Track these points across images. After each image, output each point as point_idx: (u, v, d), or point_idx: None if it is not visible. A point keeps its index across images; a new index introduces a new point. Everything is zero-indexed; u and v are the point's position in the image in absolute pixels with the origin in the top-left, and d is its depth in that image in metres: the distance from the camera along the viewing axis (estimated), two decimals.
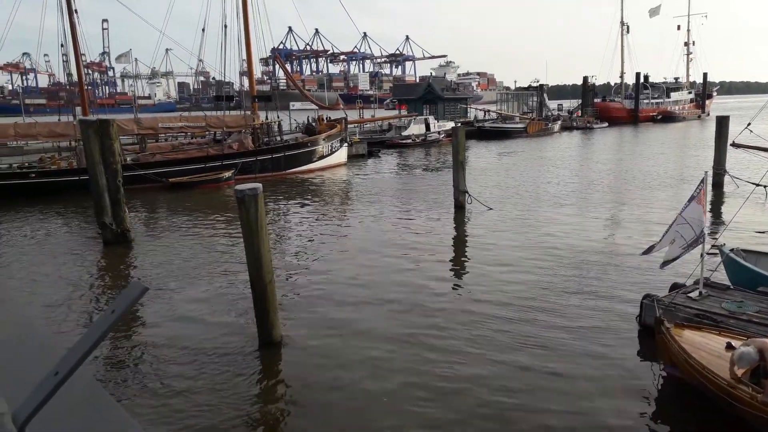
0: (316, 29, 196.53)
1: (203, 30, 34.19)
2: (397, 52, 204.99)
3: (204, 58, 38.81)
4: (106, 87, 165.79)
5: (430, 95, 62.14)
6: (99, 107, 44.86)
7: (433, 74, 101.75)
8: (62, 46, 32.04)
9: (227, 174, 29.10)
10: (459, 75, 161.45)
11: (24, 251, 16.88)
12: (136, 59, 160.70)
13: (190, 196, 26.14)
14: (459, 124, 42.12)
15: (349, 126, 39.04)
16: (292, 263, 14.76)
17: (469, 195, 20.81)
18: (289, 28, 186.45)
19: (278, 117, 35.25)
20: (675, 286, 10.19)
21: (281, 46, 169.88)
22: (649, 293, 9.91)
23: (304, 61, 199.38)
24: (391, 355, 9.07)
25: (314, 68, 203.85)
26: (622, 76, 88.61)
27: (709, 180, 10.25)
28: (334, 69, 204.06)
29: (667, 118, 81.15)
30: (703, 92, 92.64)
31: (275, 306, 9.59)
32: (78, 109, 33.51)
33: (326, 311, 11.10)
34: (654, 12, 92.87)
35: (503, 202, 22.21)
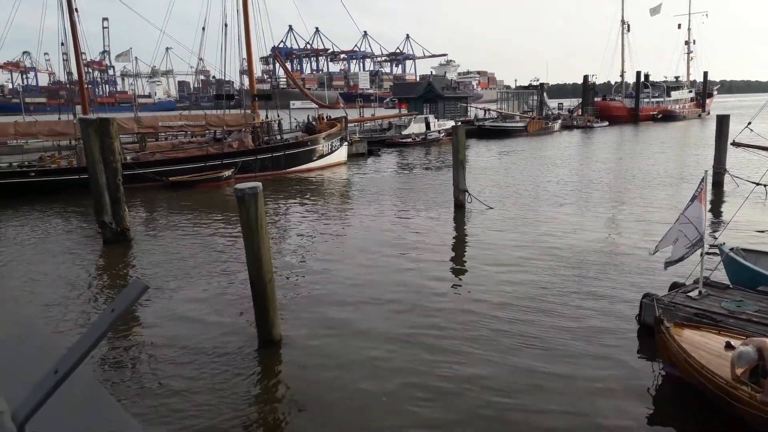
0: (317, 28, 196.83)
1: (203, 29, 34.17)
2: (398, 50, 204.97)
3: (204, 57, 38.76)
4: (107, 86, 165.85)
5: (431, 94, 62.12)
6: (99, 106, 44.87)
7: (434, 73, 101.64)
8: (62, 44, 32.00)
9: (227, 173, 29.10)
10: (459, 74, 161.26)
11: (24, 250, 16.88)
12: (136, 58, 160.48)
13: (189, 195, 26.14)
14: (459, 123, 42.12)
15: (349, 125, 39.02)
16: (291, 262, 14.76)
17: (469, 194, 20.80)
18: (290, 26, 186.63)
19: (278, 116, 35.22)
20: (674, 286, 10.19)
21: (281, 45, 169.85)
22: (648, 292, 9.91)
23: (304, 59, 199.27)
24: (390, 354, 9.07)
25: (314, 67, 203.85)
26: (622, 75, 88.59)
27: (710, 179, 10.25)
28: (335, 68, 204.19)
29: (668, 117, 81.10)
30: (704, 91, 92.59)
31: (275, 305, 9.60)
32: (78, 107, 33.48)
33: (326, 311, 11.10)
34: (655, 11, 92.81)
35: (503, 201, 22.21)
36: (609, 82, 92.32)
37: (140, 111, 54.62)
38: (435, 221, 19.14)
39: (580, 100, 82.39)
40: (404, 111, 58.10)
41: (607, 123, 74.10)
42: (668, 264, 9.48)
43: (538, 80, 76.13)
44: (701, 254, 9.31)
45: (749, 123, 18.33)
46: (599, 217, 19.03)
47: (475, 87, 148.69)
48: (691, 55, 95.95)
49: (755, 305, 9.00)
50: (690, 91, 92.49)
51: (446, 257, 15.01)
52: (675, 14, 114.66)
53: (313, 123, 36.68)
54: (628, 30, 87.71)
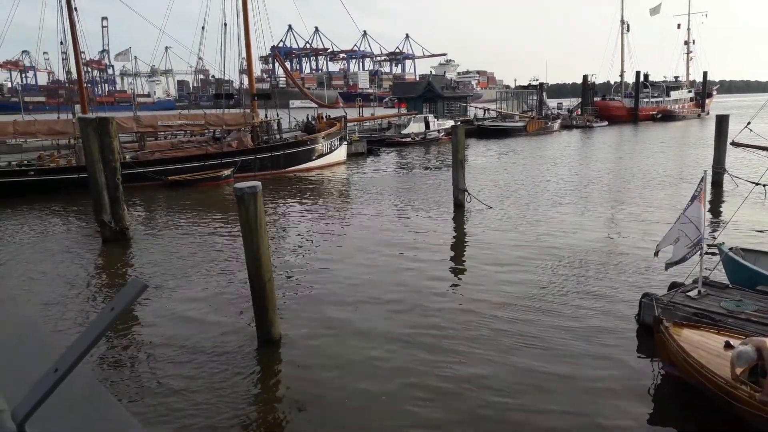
0: (316, 27, 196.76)
1: (203, 28, 34.21)
2: (397, 50, 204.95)
3: (203, 56, 38.73)
4: (106, 85, 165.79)
5: (430, 93, 62.13)
6: (98, 105, 44.90)
7: (433, 72, 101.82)
8: (62, 43, 31.98)
9: (226, 172, 29.09)
10: (459, 73, 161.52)
11: (23, 249, 16.87)
12: (135, 57, 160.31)
13: (189, 195, 26.13)
14: (459, 123, 42.12)
15: (348, 124, 39.03)
16: (291, 262, 14.76)
17: (469, 193, 20.81)
18: (289, 26, 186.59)
19: (278, 115, 35.23)
20: (674, 285, 10.19)
21: (281, 45, 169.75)
22: (647, 292, 9.92)
23: (303, 59, 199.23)
24: (390, 354, 9.06)
25: (314, 66, 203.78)
26: (622, 75, 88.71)
27: (709, 179, 10.24)
28: (334, 67, 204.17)
29: (667, 116, 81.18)
30: (703, 91, 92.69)
31: (274, 304, 9.60)
32: (77, 106, 33.47)
33: (325, 310, 11.09)
34: (654, 11, 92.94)
35: (503, 200, 22.21)
36: (608, 81, 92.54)
37: (139, 110, 54.65)
38: (434, 221, 19.14)
39: (580, 99, 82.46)
40: (404, 110, 58.11)
41: (606, 123, 74.16)
42: (669, 265, 9.48)
43: (537, 80, 76.26)
44: (700, 254, 9.32)
45: (748, 123, 18.35)
46: (599, 217, 19.04)
47: (474, 87, 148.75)
48: (690, 55, 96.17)
49: (754, 305, 9.01)
50: (689, 91, 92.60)
51: (446, 257, 15.02)
52: (674, 14, 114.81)
53: (313, 122, 36.68)
54: (628, 30, 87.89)
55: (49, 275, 14.05)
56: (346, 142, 37.90)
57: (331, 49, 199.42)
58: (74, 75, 33.25)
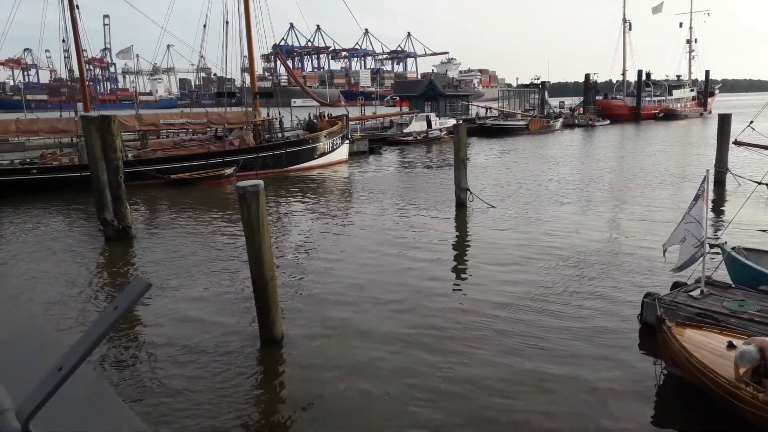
0: (318, 26, 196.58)
1: (204, 26, 34.16)
2: (399, 48, 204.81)
3: (205, 55, 38.71)
4: (108, 83, 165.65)
5: (432, 92, 62.12)
6: (100, 103, 44.94)
7: (435, 71, 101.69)
8: (63, 41, 32.02)
9: (228, 171, 29.11)
10: (461, 72, 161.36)
11: (25, 247, 16.89)
12: (137, 55, 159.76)
13: (191, 193, 26.15)
14: (460, 122, 42.12)
15: (350, 123, 39.02)
16: (293, 261, 14.76)
17: (471, 192, 20.80)
18: (291, 24, 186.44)
19: (279, 114, 35.23)
20: (676, 285, 10.18)
21: (283, 43, 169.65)
22: (650, 292, 9.89)
23: (305, 57, 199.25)
24: (392, 355, 9.05)
25: (315, 65, 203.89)
26: (624, 74, 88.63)
27: (711, 178, 10.24)
28: (336, 66, 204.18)
29: (669, 115, 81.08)
30: (705, 90, 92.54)
31: (276, 303, 9.60)
32: (79, 105, 33.48)
33: (327, 310, 11.09)
34: (657, 9, 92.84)
35: (505, 199, 22.20)
36: (611, 80, 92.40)
37: (141, 108, 54.68)
38: (436, 220, 19.13)
39: (582, 98, 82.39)
40: (405, 109, 58.07)
41: (608, 122, 74.08)
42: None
43: (539, 78, 76.12)
44: (703, 254, 9.30)
45: (751, 122, 18.31)
46: (601, 216, 19.02)
47: (476, 85, 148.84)
48: (692, 53, 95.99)
49: (757, 305, 8.99)
50: (692, 90, 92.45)
51: (447, 256, 15.01)
52: (677, 13, 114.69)
53: (315, 121, 36.68)
54: (630, 28, 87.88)
55: (51, 274, 14.07)
56: (347, 141, 37.90)
57: (332, 48, 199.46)
58: (76, 73, 33.25)
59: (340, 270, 13.71)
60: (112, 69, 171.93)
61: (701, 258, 9.21)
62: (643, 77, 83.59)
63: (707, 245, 9.36)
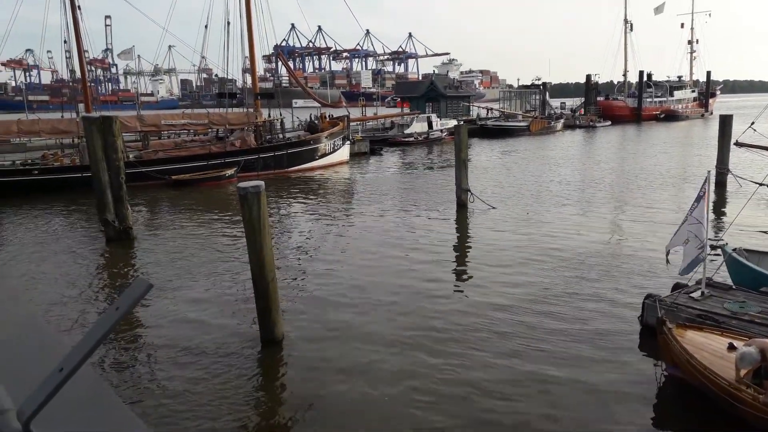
0: (319, 26, 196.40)
1: (206, 27, 34.20)
2: (400, 49, 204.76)
3: (207, 55, 38.81)
4: (109, 84, 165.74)
5: (433, 93, 62.14)
6: (102, 104, 44.98)
7: (436, 72, 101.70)
8: (65, 42, 32.04)
9: (230, 172, 29.13)
10: (462, 73, 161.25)
11: (26, 248, 16.91)
12: (139, 56, 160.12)
13: (192, 194, 26.17)
14: (461, 122, 42.10)
15: (351, 124, 39.02)
16: (293, 262, 14.76)
17: (472, 193, 20.79)
18: (292, 25, 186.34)
19: (281, 114, 35.25)
20: (677, 286, 10.17)
21: (284, 44, 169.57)
22: (651, 293, 9.90)
23: (306, 58, 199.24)
24: (392, 356, 9.04)
25: (317, 65, 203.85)
26: (625, 75, 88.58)
27: (712, 179, 10.22)
28: (337, 66, 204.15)
29: (671, 116, 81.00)
30: (707, 91, 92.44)
31: (277, 304, 9.60)
32: (81, 105, 33.54)
33: (328, 311, 11.09)
34: (658, 10, 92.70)
35: (506, 201, 22.19)
36: (612, 81, 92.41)
37: (143, 109, 54.70)
38: (437, 221, 19.13)
39: (583, 99, 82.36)
40: (407, 110, 58.07)
41: (609, 123, 74.03)
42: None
43: (539, 79, 76.09)
44: (704, 255, 9.29)
45: (752, 123, 18.33)
46: (602, 218, 19.01)
47: (477, 86, 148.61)
48: (694, 54, 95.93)
49: (758, 306, 8.99)
50: (693, 91, 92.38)
51: (448, 258, 14.99)
52: (678, 13, 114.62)
53: (316, 122, 36.70)
54: (631, 29, 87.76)
55: (52, 274, 14.08)
56: (348, 142, 37.91)
57: (334, 48, 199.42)
58: (78, 74, 33.28)
59: (341, 271, 13.71)
60: (113, 70, 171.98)
61: (705, 258, 9.21)
62: (645, 78, 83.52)
63: (707, 247, 9.35)
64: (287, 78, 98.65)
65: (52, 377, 1.19)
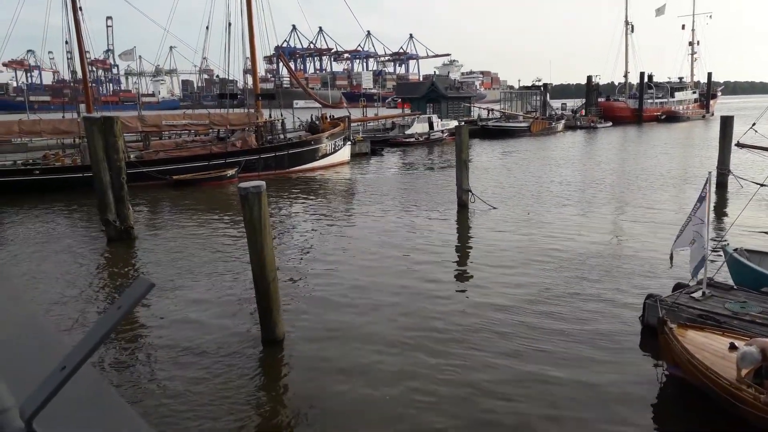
0: (320, 27, 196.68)
1: (207, 28, 34.27)
2: (401, 50, 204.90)
3: (208, 56, 38.82)
4: (110, 84, 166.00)
5: (434, 94, 62.11)
6: (103, 104, 45.06)
7: (437, 73, 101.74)
8: (67, 43, 32.07)
9: (231, 172, 29.14)
10: (463, 74, 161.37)
11: (27, 248, 16.92)
12: (140, 57, 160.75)
13: (193, 194, 26.18)
14: (462, 123, 42.09)
15: (352, 124, 39.03)
16: (295, 262, 14.76)
17: (473, 194, 20.79)
18: (293, 26, 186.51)
19: (282, 115, 35.26)
20: (678, 286, 10.17)
21: (285, 45, 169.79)
22: (651, 293, 9.89)
23: (307, 59, 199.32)
24: (393, 357, 9.04)
25: (318, 66, 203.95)
26: (626, 76, 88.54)
27: (713, 180, 10.22)
28: (338, 67, 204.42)
29: (672, 117, 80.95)
30: (708, 92, 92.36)
31: (278, 304, 9.60)
32: (82, 106, 33.57)
33: (328, 311, 11.09)
34: (660, 11, 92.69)
35: (506, 201, 22.18)
36: (613, 82, 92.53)
37: (144, 110, 54.72)
38: (438, 221, 19.12)
39: (584, 100, 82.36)
40: (407, 111, 58.08)
41: (610, 123, 74.02)
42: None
43: (540, 80, 76.09)
44: (705, 255, 9.29)
45: (753, 124, 18.32)
46: (602, 218, 19.00)
47: (478, 87, 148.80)
48: (694, 55, 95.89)
49: (759, 306, 8.98)
50: (694, 92, 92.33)
51: (449, 258, 14.99)
52: (679, 15, 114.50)
53: (317, 122, 36.71)
54: (632, 30, 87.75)
55: (53, 274, 14.09)
56: (349, 142, 37.92)
57: (335, 49, 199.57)
58: (79, 74, 33.32)
59: (342, 271, 13.71)
60: (114, 70, 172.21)
61: (709, 256, 9.21)
62: (646, 79, 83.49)
63: (708, 247, 9.35)
64: (288, 79, 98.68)
65: (54, 376, 1.19)
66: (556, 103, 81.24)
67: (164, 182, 27.46)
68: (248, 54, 33.57)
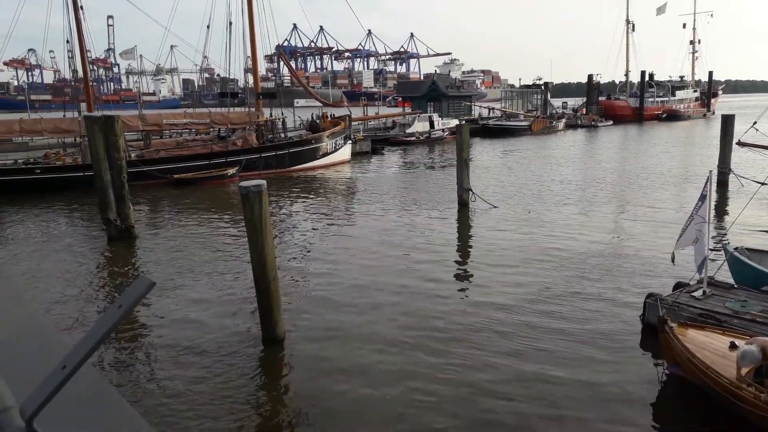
0: (321, 26, 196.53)
1: (208, 27, 34.28)
2: (402, 49, 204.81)
3: (209, 55, 38.95)
4: (111, 83, 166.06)
5: (435, 93, 62.08)
6: (104, 103, 45.07)
7: (438, 72, 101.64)
8: (68, 42, 32.07)
9: (231, 171, 29.14)
10: (463, 73, 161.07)
11: (28, 247, 16.93)
12: (141, 56, 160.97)
13: (194, 193, 26.18)
14: (463, 122, 42.08)
15: (353, 123, 39.02)
16: (295, 261, 14.76)
17: (473, 193, 20.79)
18: (294, 25, 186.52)
19: (282, 114, 35.26)
20: (678, 285, 10.17)
21: (286, 44, 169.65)
22: (652, 292, 9.88)
23: (308, 58, 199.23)
24: (393, 356, 9.03)
25: (318, 65, 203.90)
26: (627, 75, 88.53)
27: (714, 179, 10.21)
28: (339, 66, 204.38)
29: (672, 116, 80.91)
30: (709, 91, 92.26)
31: (279, 303, 9.60)
32: (83, 105, 33.57)
33: (329, 310, 11.09)
34: (661, 10, 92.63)
35: (507, 200, 22.17)
36: (613, 81, 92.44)
37: (145, 108, 54.72)
38: (439, 220, 19.12)
39: (585, 99, 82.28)
40: (408, 110, 58.05)
41: (611, 122, 73.97)
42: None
43: (541, 79, 76.04)
44: (708, 253, 9.29)
45: (755, 123, 18.28)
46: (603, 217, 18.99)
47: (479, 86, 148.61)
48: (695, 54, 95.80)
49: (759, 305, 8.98)
50: (695, 91, 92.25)
51: (450, 257, 14.98)
52: (680, 14, 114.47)
53: (317, 121, 36.71)
54: (633, 29, 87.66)
55: (53, 273, 14.10)
56: (350, 141, 37.91)
57: (335, 48, 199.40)
58: (80, 73, 33.33)
59: (342, 270, 13.71)
60: (115, 69, 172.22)
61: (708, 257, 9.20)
62: (647, 78, 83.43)
63: (708, 247, 9.34)
64: (289, 78, 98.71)
65: (55, 375, 1.19)
66: (557, 102, 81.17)
67: (165, 181, 27.47)
68: (249, 53, 33.63)
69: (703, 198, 9.17)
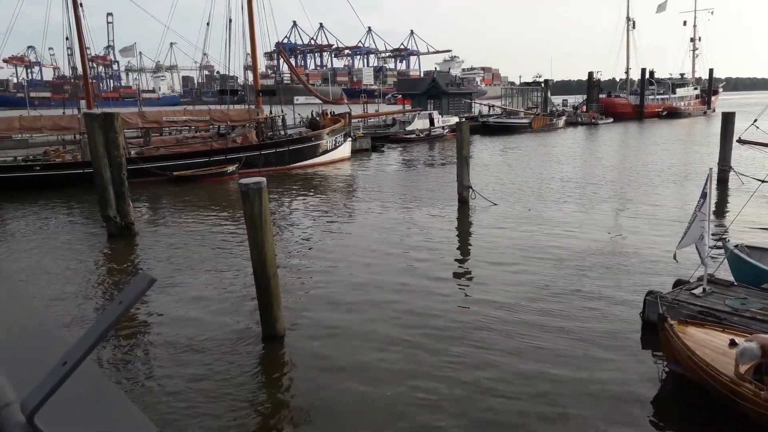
0: (321, 24, 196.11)
1: (208, 24, 34.25)
2: (402, 46, 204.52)
3: (208, 52, 38.80)
4: (111, 80, 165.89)
5: (435, 90, 61.99)
6: (103, 101, 44.94)
7: (438, 69, 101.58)
8: (67, 39, 32.06)
9: (231, 168, 29.13)
10: (463, 70, 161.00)
11: (28, 244, 16.94)
12: (140, 53, 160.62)
13: (193, 190, 26.18)
14: (463, 119, 42.05)
15: (353, 121, 38.99)
16: (295, 258, 14.76)
17: (473, 190, 20.78)
18: (294, 22, 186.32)
19: (282, 111, 35.24)
20: (678, 283, 10.16)
21: (285, 41, 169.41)
22: (652, 290, 9.88)
23: (308, 55, 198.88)
24: (393, 354, 9.03)
25: (318, 63, 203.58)
26: (627, 72, 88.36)
27: (714, 177, 10.22)
28: (339, 63, 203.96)
29: (673, 114, 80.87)
30: (709, 88, 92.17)
31: (278, 300, 9.60)
32: (82, 102, 33.58)
33: (329, 308, 11.09)
34: (661, 7, 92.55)
35: (507, 197, 22.17)
36: (614, 78, 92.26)
37: (144, 106, 54.70)
38: (438, 218, 19.11)
39: (585, 96, 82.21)
40: (408, 107, 58.00)
41: (611, 120, 73.90)
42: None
43: (541, 76, 76.00)
44: (706, 251, 9.29)
45: (755, 120, 18.30)
46: (603, 215, 18.99)
47: (479, 83, 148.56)
48: (696, 52, 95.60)
49: (759, 303, 8.97)
50: (695, 89, 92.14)
51: (450, 255, 14.98)
52: (680, 11, 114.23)
53: (317, 118, 36.69)
54: (634, 27, 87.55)
55: (53, 270, 14.10)
56: (350, 139, 37.88)
57: (335, 46, 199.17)
58: (79, 70, 33.30)
59: (342, 268, 13.70)
60: (115, 66, 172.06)
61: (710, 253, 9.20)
62: (647, 75, 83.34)
63: (708, 244, 9.34)
64: (289, 75, 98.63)
65: (56, 371, 1.19)
66: (557, 100, 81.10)
67: (165, 178, 27.47)
68: (249, 50, 33.58)
69: (704, 195, 9.17)
